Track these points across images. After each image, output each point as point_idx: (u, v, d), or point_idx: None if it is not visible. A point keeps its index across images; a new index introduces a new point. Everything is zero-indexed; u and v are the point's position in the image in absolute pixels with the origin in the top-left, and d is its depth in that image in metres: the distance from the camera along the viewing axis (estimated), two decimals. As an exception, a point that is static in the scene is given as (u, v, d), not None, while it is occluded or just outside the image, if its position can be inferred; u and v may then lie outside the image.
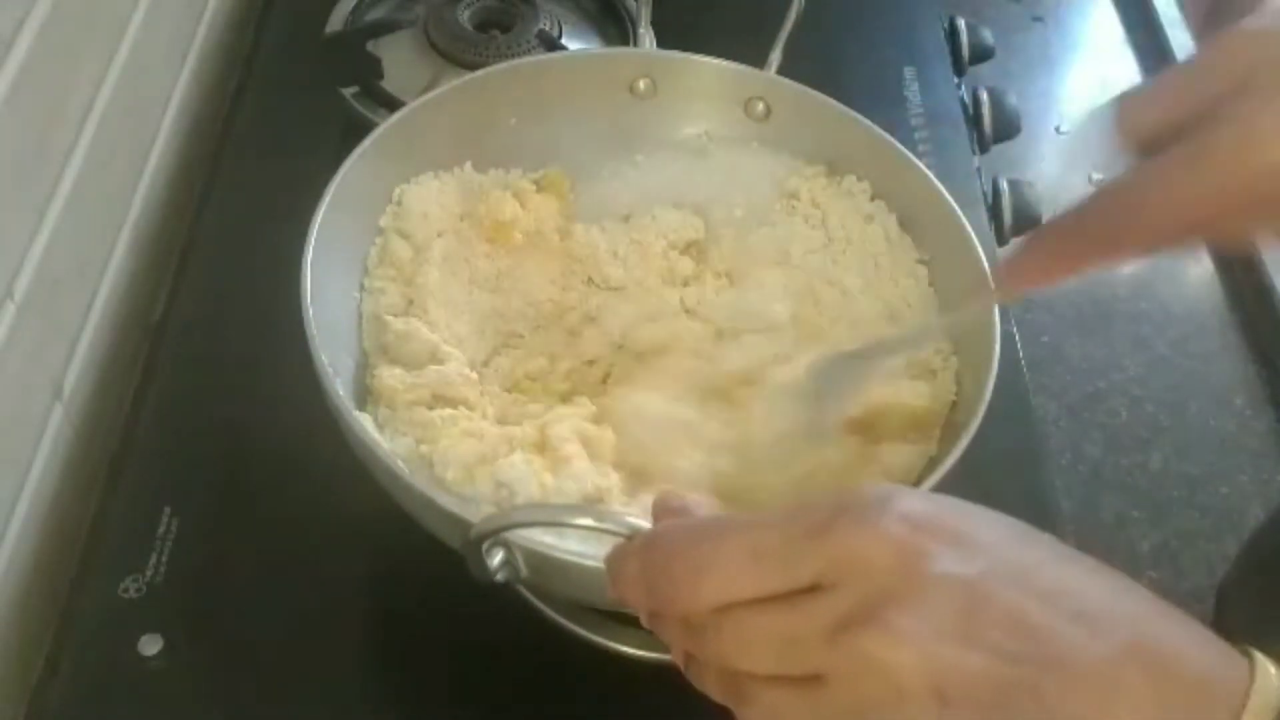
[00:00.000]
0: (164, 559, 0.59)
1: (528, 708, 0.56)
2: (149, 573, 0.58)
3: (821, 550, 0.32)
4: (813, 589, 0.32)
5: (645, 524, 0.40)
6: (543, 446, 0.52)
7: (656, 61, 0.67)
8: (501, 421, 0.55)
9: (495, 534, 0.42)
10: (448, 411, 0.53)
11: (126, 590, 0.57)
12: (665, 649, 0.56)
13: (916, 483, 0.52)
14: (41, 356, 0.62)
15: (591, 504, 0.51)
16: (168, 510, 0.60)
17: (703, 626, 0.34)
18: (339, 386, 0.50)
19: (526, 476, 0.50)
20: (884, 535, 0.32)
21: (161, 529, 0.60)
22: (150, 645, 0.55)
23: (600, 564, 0.43)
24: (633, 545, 0.36)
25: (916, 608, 0.31)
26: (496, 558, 0.43)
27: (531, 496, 0.50)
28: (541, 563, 0.44)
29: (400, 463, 0.49)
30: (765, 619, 0.33)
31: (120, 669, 0.55)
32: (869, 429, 0.55)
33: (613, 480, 0.52)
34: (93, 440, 0.68)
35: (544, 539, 0.44)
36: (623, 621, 0.56)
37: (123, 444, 0.66)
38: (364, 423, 0.51)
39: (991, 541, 0.33)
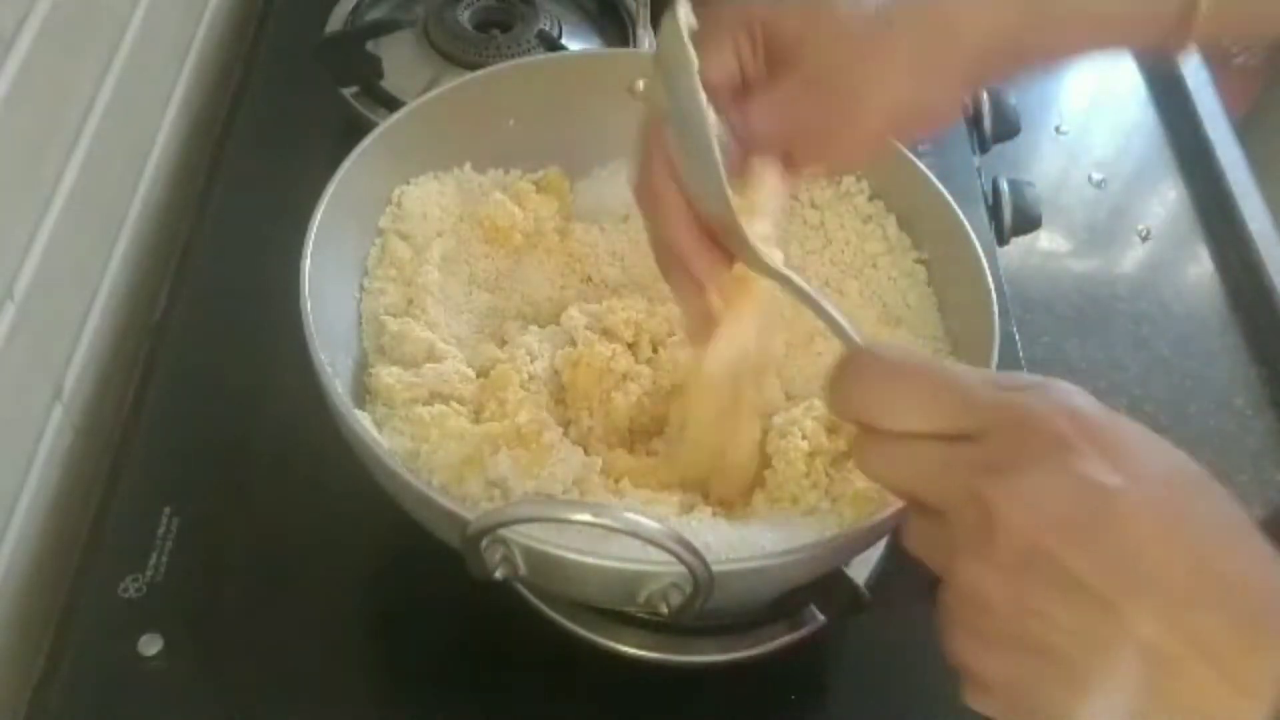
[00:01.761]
0: (164, 559, 0.59)
1: (527, 707, 0.56)
2: (149, 573, 0.58)
3: (996, 404, 0.35)
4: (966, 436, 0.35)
5: (643, 519, 0.40)
6: (524, 439, 0.52)
7: (656, 61, 0.66)
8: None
9: (493, 530, 0.42)
10: (439, 408, 0.53)
11: (126, 590, 0.57)
12: (663, 649, 0.56)
13: None
14: (41, 356, 0.62)
15: (580, 485, 0.51)
16: (168, 510, 0.61)
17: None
18: (338, 386, 0.50)
19: (517, 472, 0.50)
20: (1047, 417, 0.34)
21: (161, 529, 0.60)
22: (150, 645, 0.55)
23: (599, 561, 0.43)
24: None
25: (1041, 486, 0.33)
26: (495, 555, 0.44)
27: (526, 491, 0.50)
28: (540, 560, 0.44)
29: (398, 461, 0.49)
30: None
31: (120, 669, 0.55)
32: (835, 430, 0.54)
33: (595, 464, 0.52)
34: (93, 440, 0.68)
35: (542, 535, 0.44)
36: (622, 620, 0.57)
37: (123, 444, 0.66)
38: (363, 421, 0.51)
39: (1146, 471, 0.33)
